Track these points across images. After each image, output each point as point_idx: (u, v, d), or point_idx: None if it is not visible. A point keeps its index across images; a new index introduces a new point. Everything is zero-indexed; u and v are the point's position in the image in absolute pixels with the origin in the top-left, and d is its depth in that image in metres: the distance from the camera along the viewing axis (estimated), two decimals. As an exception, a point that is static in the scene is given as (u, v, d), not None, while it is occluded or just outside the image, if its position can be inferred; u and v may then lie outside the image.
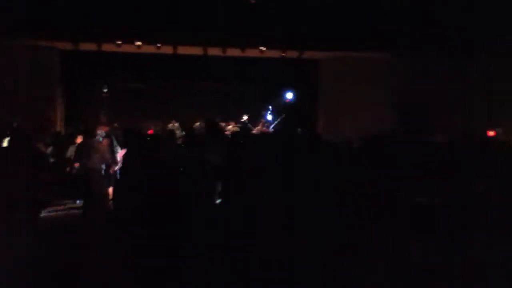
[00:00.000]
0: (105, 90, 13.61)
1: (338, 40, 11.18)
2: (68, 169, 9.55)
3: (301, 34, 11.08)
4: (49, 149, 9.68)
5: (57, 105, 11.76)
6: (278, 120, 13.57)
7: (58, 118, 12.03)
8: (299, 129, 12.22)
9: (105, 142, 9.33)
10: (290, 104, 14.06)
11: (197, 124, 13.79)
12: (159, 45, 11.45)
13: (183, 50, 11.92)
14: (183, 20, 10.76)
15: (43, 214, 8.07)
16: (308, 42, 11.45)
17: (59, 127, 12.08)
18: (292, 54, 12.18)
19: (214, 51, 11.93)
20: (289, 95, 14.30)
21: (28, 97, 10.65)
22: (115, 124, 12.05)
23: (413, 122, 10.42)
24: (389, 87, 11.56)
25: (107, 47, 11.38)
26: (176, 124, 13.27)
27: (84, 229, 7.05)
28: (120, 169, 7.01)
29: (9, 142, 6.85)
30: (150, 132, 10.31)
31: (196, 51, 11.95)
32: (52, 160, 9.58)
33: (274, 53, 12.02)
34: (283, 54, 12.12)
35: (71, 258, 5.26)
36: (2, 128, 8.70)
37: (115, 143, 10.06)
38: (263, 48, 11.64)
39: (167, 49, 11.74)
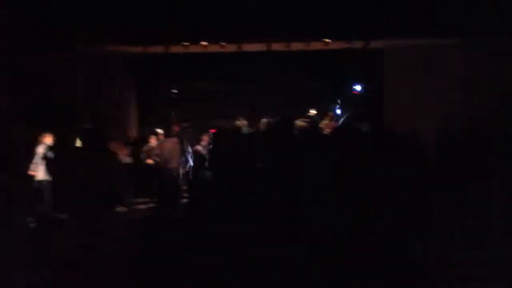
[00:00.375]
0: (174, 91, 14.03)
1: (405, 27, 10.64)
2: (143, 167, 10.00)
3: (366, 23, 10.68)
4: (125, 150, 10.18)
5: (131, 108, 12.30)
6: (347, 114, 13.18)
7: (131, 120, 12.61)
8: (365, 124, 11.82)
9: (176, 141, 9.68)
10: (359, 97, 13.62)
11: (264, 120, 13.81)
12: (223, 43, 11.60)
13: (247, 47, 11.98)
14: (246, 17, 10.83)
15: (120, 209, 8.51)
16: (373, 31, 11.00)
17: (133, 129, 12.67)
18: (357, 44, 11.78)
19: (278, 47, 11.85)
20: (357, 88, 13.86)
21: (103, 101, 11.24)
22: (185, 124, 12.40)
23: (491, 114, 9.61)
24: (462, 76, 10.75)
25: (175, 49, 11.72)
26: (244, 122, 13.37)
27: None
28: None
29: (83, 142, 7.27)
30: (213, 131, 10.50)
31: (260, 47, 11.96)
32: (127, 160, 10.07)
33: (339, 45, 11.70)
34: (349, 45, 11.76)
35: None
36: (78, 130, 9.26)
37: (185, 142, 10.39)
38: (328, 40, 11.37)
39: (232, 48, 11.87)
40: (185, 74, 12.94)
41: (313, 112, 13.02)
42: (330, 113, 13.41)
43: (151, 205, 9.27)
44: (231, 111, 13.85)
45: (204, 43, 11.52)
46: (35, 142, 8.33)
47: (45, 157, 7.91)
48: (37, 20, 9.66)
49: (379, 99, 12.30)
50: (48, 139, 8.33)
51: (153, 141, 10.52)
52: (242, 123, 13.58)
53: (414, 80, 11.21)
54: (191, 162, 10.23)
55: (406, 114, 10.77)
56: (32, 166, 8.04)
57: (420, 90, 11.07)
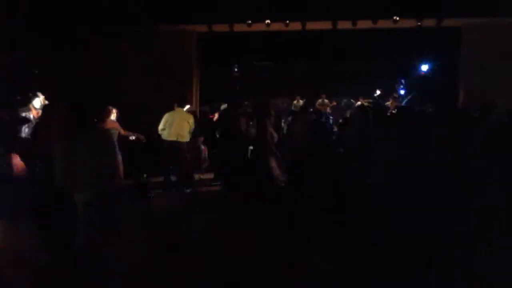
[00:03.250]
0: (236, 70, 14.06)
1: (482, 4, 10.00)
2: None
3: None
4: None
5: (194, 85, 12.46)
6: (412, 94, 12.74)
7: (194, 97, 12.79)
8: (430, 104, 11.35)
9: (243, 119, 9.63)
10: (426, 77, 13.06)
11: (320, 100, 13.65)
12: (287, 21, 11.41)
13: (311, 26, 11.72)
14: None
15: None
16: (448, 8, 10.41)
17: (194, 106, 12.85)
18: (429, 23, 11.22)
19: (344, 25, 11.51)
20: (424, 67, 13.29)
21: (168, 78, 11.45)
22: (246, 103, 12.42)
23: None
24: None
25: (238, 28, 11.67)
26: (301, 101, 13.27)
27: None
28: None
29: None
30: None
31: (325, 25, 11.66)
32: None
33: (409, 23, 11.19)
34: (419, 24, 11.22)
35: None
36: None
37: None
38: (397, 18, 10.90)
39: (296, 26, 11.65)
40: (247, 53, 12.87)
41: (378, 92, 12.68)
42: (395, 94, 13.04)
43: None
44: (292, 90, 13.80)
45: (268, 21, 11.37)
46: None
47: None
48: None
49: (453, 80, 11.75)
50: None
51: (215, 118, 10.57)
52: (299, 102, 13.55)
53: (495, 61, 10.54)
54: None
55: (479, 94, 10.23)
56: None
57: (500, 70, 10.42)
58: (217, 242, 4.93)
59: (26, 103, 7.71)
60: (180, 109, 8.20)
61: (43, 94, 7.83)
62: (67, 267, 3.46)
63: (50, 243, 3.75)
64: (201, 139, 9.16)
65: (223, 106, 10.26)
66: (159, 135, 8.02)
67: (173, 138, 7.90)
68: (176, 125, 7.91)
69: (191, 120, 8.11)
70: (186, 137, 8.01)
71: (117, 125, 7.30)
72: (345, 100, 12.96)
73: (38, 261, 3.79)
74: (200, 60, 12.49)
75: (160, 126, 7.88)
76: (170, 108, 8.34)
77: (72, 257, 3.43)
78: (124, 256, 4.20)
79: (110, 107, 6.99)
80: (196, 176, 8.78)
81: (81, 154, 3.60)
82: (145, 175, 7.83)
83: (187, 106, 8.98)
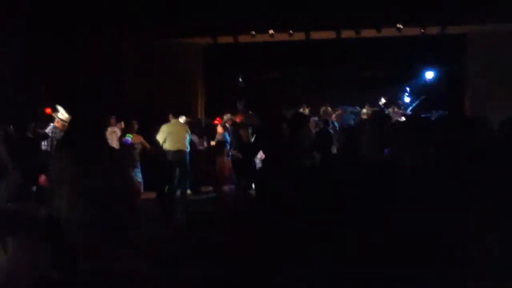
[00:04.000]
0: (241, 80, 14.11)
1: (486, 11, 10.00)
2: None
3: (443, 7, 10.14)
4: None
5: (199, 97, 12.53)
6: (417, 102, 12.70)
7: (199, 109, 12.85)
8: (435, 112, 11.33)
9: (244, 131, 9.66)
10: (431, 84, 13.05)
11: (323, 108, 13.66)
12: (291, 32, 11.47)
13: (315, 35, 11.78)
14: (314, 3, 10.63)
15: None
16: (451, 15, 10.44)
17: (200, 116, 12.89)
18: (433, 30, 11.24)
19: (347, 34, 11.55)
20: (429, 75, 13.27)
21: (174, 90, 11.51)
22: (250, 112, 12.44)
23: None
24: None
25: (243, 39, 11.75)
26: (307, 110, 13.28)
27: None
28: None
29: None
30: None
31: (329, 35, 11.71)
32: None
33: (413, 31, 11.21)
34: (423, 31, 11.24)
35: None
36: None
37: (250, 130, 10.34)
38: (401, 26, 10.92)
39: (300, 36, 11.72)
40: (252, 64, 12.93)
41: (382, 100, 12.66)
42: (399, 102, 13.03)
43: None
44: (297, 100, 13.79)
45: (272, 31, 11.44)
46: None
47: None
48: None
49: (458, 87, 11.73)
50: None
51: (219, 130, 10.51)
52: (305, 110, 13.55)
53: (499, 67, 10.52)
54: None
55: (485, 102, 10.20)
56: None
57: (505, 77, 10.40)
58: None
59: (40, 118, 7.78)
60: (176, 120, 8.10)
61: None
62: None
63: (59, 261, 3.66)
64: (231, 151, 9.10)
65: (227, 117, 10.26)
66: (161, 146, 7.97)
67: (177, 148, 7.83)
68: (176, 136, 7.84)
69: (189, 131, 8.06)
70: (187, 148, 7.95)
71: (141, 139, 7.30)
72: (350, 108, 12.93)
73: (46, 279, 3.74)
74: (205, 72, 12.58)
75: (161, 139, 7.74)
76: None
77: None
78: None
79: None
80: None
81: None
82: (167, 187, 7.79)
83: (183, 117, 8.89)
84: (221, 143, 9.09)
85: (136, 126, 7.39)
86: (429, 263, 3.61)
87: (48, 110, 8.38)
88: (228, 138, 8.96)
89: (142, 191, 7.54)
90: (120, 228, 3.48)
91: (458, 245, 3.60)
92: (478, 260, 3.52)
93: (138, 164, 7.36)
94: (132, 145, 7.11)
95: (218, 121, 10.28)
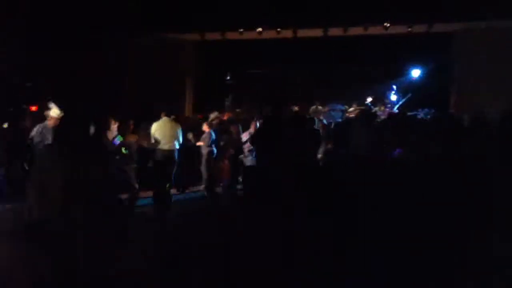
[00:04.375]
0: (228, 78, 14.07)
1: (472, 9, 10.13)
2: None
3: (430, 5, 10.24)
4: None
5: (187, 94, 12.45)
6: (403, 100, 12.80)
7: (187, 106, 12.78)
8: (421, 110, 11.44)
9: (235, 128, 9.59)
10: (417, 82, 13.17)
11: (313, 107, 13.70)
12: (279, 29, 11.47)
13: (303, 33, 11.79)
14: (302, 1, 10.64)
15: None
16: (438, 14, 10.55)
17: (188, 113, 12.83)
18: (419, 28, 11.34)
19: (335, 32, 11.59)
20: (415, 73, 13.40)
21: (162, 87, 11.42)
22: (238, 110, 12.42)
23: None
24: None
25: (231, 36, 11.70)
26: (296, 108, 13.30)
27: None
28: None
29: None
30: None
31: (316, 33, 11.74)
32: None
33: (400, 29, 11.30)
34: (410, 29, 11.34)
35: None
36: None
37: (239, 129, 10.30)
38: (388, 24, 11.00)
39: (287, 34, 11.72)
40: (240, 62, 12.90)
41: (369, 99, 12.74)
42: (386, 100, 13.13)
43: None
44: (285, 98, 13.80)
45: (259, 29, 11.42)
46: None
47: None
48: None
49: (445, 85, 11.86)
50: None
51: (205, 128, 10.38)
52: (294, 109, 13.58)
53: (485, 65, 10.66)
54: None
55: (471, 99, 10.34)
56: None
57: (492, 75, 10.54)
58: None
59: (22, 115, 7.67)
60: (167, 118, 8.09)
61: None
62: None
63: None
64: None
65: (214, 115, 10.18)
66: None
67: (167, 148, 7.83)
68: (168, 134, 7.84)
69: (180, 129, 8.05)
70: (176, 146, 7.93)
71: (136, 138, 7.26)
72: (338, 106, 12.99)
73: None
74: (193, 69, 12.51)
75: (159, 136, 7.75)
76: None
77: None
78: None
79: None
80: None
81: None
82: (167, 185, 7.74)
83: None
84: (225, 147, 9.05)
85: (132, 127, 7.33)
86: (429, 263, 3.62)
87: (33, 108, 8.27)
88: (214, 136, 8.88)
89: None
90: (118, 226, 3.41)
91: (458, 245, 3.62)
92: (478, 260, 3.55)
93: (134, 162, 7.33)
94: (119, 146, 7.04)
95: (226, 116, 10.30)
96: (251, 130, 9.34)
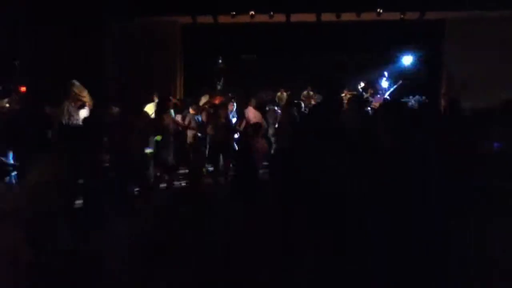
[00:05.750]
0: (220, 61, 13.98)
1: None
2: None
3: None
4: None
5: (177, 77, 12.36)
6: (395, 86, 12.84)
7: (178, 89, 12.69)
8: (416, 97, 11.50)
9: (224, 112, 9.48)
10: (409, 69, 13.22)
11: (305, 92, 13.71)
12: (271, 13, 11.39)
13: (296, 18, 11.72)
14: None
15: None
16: (431, 1, 10.55)
17: (179, 96, 12.74)
18: (412, 15, 11.33)
19: (328, 17, 11.54)
20: (407, 60, 13.43)
21: (152, 71, 11.32)
22: (230, 94, 12.35)
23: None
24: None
25: (223, 19, 11.59)
26: (285, 94, 13.29)
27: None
28: None
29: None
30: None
31: (309, 18, 11.68)
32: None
33: (392, 16, 11.29)
34: (403, 16, 11.33)
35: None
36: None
37: (232, 113, 10.24)
38: (380, 11, 10.98)
39: (280, 18, 11.64)
40: (232, 45, 12.80)
41: (362, 84, 12.78)
42: (377, 85, 13.18)
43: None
44: (278, 83, 13.77)
45: (252, 12, 11.32)
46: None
47: None
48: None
49: (436, 72, 11.91)
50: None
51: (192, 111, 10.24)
52: (282, 94, 13.57)
53: (477, 53, 10.71)
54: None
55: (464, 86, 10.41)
56: None
57: (482, 62, 10.60)
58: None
59: (6, 95, 7.56)
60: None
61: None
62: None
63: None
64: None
65: (205, 98, 10.09)
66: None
67: None
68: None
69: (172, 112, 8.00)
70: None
71: None
72: None
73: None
74: (184, 52, 12.40)
75: None
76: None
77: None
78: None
79: None
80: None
81: None
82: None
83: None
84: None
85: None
86: (430, 262, 3.64)
87: (23, 89, 8.16)
88: (199, 120, 8.78)
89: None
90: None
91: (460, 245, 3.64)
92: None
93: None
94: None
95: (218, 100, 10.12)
96: (250, 116, 9.22)
